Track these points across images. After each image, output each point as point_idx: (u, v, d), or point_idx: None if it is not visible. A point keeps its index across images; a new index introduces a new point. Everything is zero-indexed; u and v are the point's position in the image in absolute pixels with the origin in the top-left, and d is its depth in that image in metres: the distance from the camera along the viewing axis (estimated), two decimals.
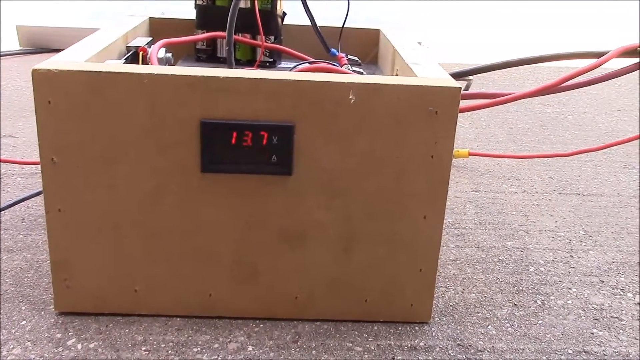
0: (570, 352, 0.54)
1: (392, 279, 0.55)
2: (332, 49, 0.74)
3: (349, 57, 0.75)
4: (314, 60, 0.66)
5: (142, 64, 0.60)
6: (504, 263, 0.68)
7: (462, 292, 0.62)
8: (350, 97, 0.50)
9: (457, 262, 0.68)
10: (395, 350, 0.53)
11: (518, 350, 0.54)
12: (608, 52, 0.59)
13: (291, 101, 0.50)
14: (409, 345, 0.54)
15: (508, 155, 0.96)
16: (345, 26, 0.74)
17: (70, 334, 0.53)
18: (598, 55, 0.59)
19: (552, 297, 0.62)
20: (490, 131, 1.10)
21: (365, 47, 0.77)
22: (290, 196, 0.52)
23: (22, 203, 0.76)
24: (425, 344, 0.54)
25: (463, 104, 0.57)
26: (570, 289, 0.64)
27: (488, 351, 0.54)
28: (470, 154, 0.94)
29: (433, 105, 0.50)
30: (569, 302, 0.62)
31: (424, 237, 0.54)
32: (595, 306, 0.61)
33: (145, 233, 0.53)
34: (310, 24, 0.71)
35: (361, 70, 0.68)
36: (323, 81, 0.50)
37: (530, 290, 0.63)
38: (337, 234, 0.53)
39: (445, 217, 0.77)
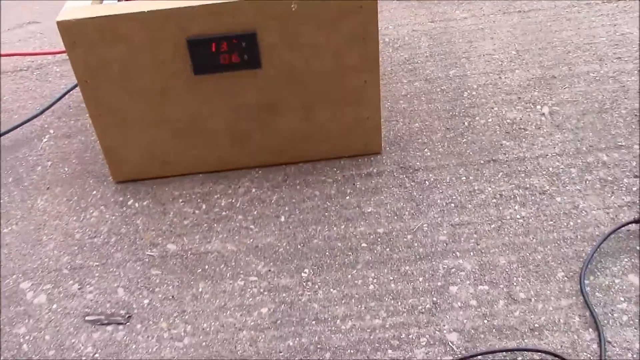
0: (482, 162, 0.75)
1: (348, 127, 0.74)
2: None
3: None
4: None
5: None
6: (445, 92, 0.86)
7: (408, 123, 0.81)
8: (293, 6, 0.65)
9: (408, 96, 0.86)
10: (355, 178, 0.75)
11: (444, 165, 0.75)
12: None
13: (251, 16, 0.66)
14: (365, 173, 0.75)
15: None
16: None
17: (128, 196, 0.76)
18: None
19: (477, 118, 0.81)
20: None
21: None
22: (262, 82, 0.70)
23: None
24: (377, 170, 0.75)
25: None
26: (492, 108, 0.82)
27: (422, 169, 0.75)
28: None
29: (352, 10, 0.65)
30: (490, 120, 0.81)
31: (366, 95, 0.72)
32: (508, 121, 0.80)
33: (162, 121, 0.72)
34: None
35: None
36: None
37: (461, 114, 0.82)
38: (300, 103, 0.72)
39: (401, 54, 0.94)
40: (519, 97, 0.83)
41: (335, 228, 0.69)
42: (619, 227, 0.64)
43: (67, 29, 0.65)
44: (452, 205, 0.70)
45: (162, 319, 0.62)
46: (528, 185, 0.71)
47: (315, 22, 0.66)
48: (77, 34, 0.66)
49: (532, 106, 0.82)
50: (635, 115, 0.78)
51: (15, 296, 0.66)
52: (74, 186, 0.78)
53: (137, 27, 0.65)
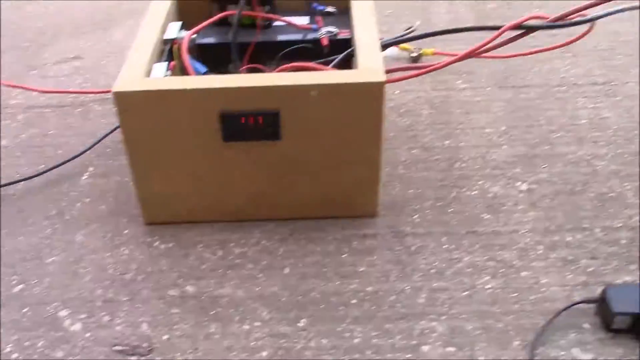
0: (463, 232, 0.86)
1: (350, 192, 0.86)
2: (314, 4, 0.98)
3: (326, 9, 0.98)
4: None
5: (176, 57, 0.86)
6: (438, 161, 0.97)
7: (404, 189, 0.93)
8: (313, 93, 0.77)
9: (406, 162, 0.97)
10: (352, 238, 0.86)
11: (430, 233, 0.86)
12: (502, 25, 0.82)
13: (276, 97, 0.77)
14: (362, 234, 0.86)
15: (463, 55, 1.19)
16: None
17: (155, 238, 0.88)
18: (493, 28, 0.82)
19: (464, 189, 0.92)
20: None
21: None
22: (279, 151, 0.82)
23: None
24: (372, 232, 0.87)
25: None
26: (478, 181, 0.93)
27: (411, 235, 0.86)
28: (434, 53, 1.18)
29: (361, 97, 0.77)
30: (474, 192, 0.92)
31: (367, 166, 0.84)
32: (490, 195, 0.91)
33: (192, 176, 0.84)
34: None
35: (334, 29, 0.92)
36: (294, 85, 0.77)
37: (450, 185, 0.93)
38: (310, 170, 0.84)
39: (404, 121, 1.05)
40: (503, 173, 0.95)
41: (330, 284, 0.80)
42: (571, 305, 0.75)
43: (121, 98, 0.77)
44: (433, 271, 0.81)
45: (178, 354, 0.74)
46: (500, 259, 0.82)
47: (330, 103, 0.78)
48: (128, 103, 0.78)
49: (513, 182, 0.93)
50: (601, 200, 0.89)
51: (55, 323, 0.78)
52: (109, 224, 0.90)
53: (180, 100, 0.77)
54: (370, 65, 0.80)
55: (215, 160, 0.83)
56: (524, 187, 0.92)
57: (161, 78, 0.80)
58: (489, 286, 0.79)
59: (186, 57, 0.84)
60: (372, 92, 0.77)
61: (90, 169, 1.00)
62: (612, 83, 1.11)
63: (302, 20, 0.97)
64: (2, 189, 0.96)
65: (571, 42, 0.94)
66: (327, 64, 0.90)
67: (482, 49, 0.83)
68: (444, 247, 0.84)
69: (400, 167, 0.97)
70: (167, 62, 0.84)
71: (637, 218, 0.86)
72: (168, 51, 0.87)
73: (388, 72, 0.83)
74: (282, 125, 0.80)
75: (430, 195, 0.92)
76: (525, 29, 0.82)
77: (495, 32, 0.83)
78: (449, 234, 0.86)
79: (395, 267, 0.82)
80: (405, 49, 1.19)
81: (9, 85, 1.14)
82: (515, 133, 1.02)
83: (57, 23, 1.42)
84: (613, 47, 1.19)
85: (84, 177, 0.98)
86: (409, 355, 0.72)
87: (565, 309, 0.74)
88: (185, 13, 0.98)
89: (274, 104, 0.78)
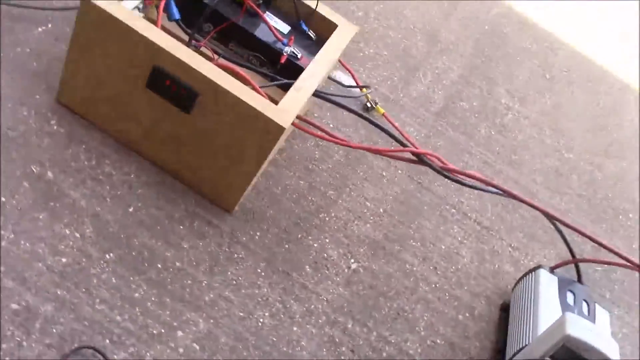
0: (280, 269, 0.99)
1: (219, 185, 0.98)
2: (302, 22, 1.07)
3: (308, 32, 1.07)
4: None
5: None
6: (312, 204, 1.09)
7: (267, 207, 1.05)
8: (229, 100, 0.87)
9: (287, 187, 1.09)
10: (197, 216, 0.98)
11: (256, 253, 0.98)
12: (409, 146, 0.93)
13: (202, 84, 0.88)
14: (207, 219, 0.99)
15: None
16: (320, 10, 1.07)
17: (55, 116, 0.98)
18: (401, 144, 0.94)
19: (309, 237, 1.05)
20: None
21: (325, 32, 1.08)
22: (184, 122, 0.93)
23: None
24: (216, 223, 0.99)
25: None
26: (326, 239, 1.06)
27: (241, 245, 0.98)
28: (383, 115, 1.29)
29: (259, 129, 0.88)
30: (315, 245, 1.04)
31: (244, 171, 0.95)
32: (325, 255, 1.04)
33: (112, 96, 0.95)
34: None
35: (298, 54, 1.02)
36: (220, 84, 0.87)
37: (304, 227, 1.05)
38: (200, 147, 0.95)
39: (316, 154, 1.16)
40: (349, 245, 1.07)
41: (154, 241, 0.93)
42: None
43: (84, 5, 0.87)
44: (234, 283, 0.94)
45: (2, 218, 0.86)
46: (288, 306, 0.95)
47: (239, 116, 0.89)
48: (88, 12, 0.87)
49: (349, 258, 1.06)
50: (397, 315, 1.03)
51: None
52: (29, 80, 1.00)
53: (126, 35, 0.87)
54: (288, 107, 0.91)
55: (132, 96, 0.94)
56: (354, 266, 1.05)
57: (127, 9, 0.89)
58: (262, 321, 0.92)
59: (163, 1, 0.93)
60: (272, 130, 0.88)
61: (49, 25, 1.09)
62: (492, 232, 1.24)
63: (282, 27, 1.06)
64: None
65: None
66: (273, 77, 1.01)
67: (385, 153, 0.95)
68: (257, 270, 0.97)
69: (278, 188, 1.08)
70: None
71: (410, 345, 1.00)
72: None
73: (303, 120, 0.94)
74: (196, 106, 0.91)
75: (282, 225, 1.04)
76: (421, 162, 0.94)
77: (401, 147, 0.94)
78: (269, 263, 0.99)
79: (210, 261, 0.95)
80: (366, 96, 1.29)
81: None
82: (386, 220, 1.14)
83: None
84: (521, 205, 1.31)
85: (39, 30, 1.07)
86: (163, 331, 0.85)
87: None
88: None
89: (197, 87, 0.89)
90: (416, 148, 0.94)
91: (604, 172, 1.55)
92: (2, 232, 0.85)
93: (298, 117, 0.94)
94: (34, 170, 0.92)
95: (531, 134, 1.51)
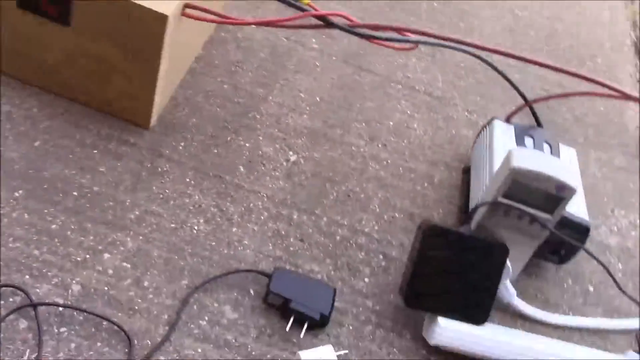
0: (210, 174, 0.92)
1: (125, 100, 0.91)
2: None
3: None
4: None
5: None
6: (239, 104, 1.02)
7: (189, 116, 0.98)
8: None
9: (210, 93, 1.02)
10: (113, 138, 0.92)
11: (182, 163, 0.92)
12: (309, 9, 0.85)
13: None
14: (124, 139, 0.92)
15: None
16: None
17: None
18: (299, 8, 0.86)
19: (240, 138, 0.98)
20: None
21: None
22: (67, 36, 0.86)
23: None
24: (133, 140, 0.92)
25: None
26: (258, 137, 0.99)
27: (165, 158, 0.92)
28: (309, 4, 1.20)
29: (143, 24, 0.81)
30: (247, 145, 0.98)
31: (142, 88, 0.88)
32: (259, 153, 0.97)
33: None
34: None
35: None
36: None
37: (232, 129, 0.99)
38: (92, 62, 0.88)
39: (237, 54, 1.09)
40: (285, 138, 1.00)
41: (67, 170, 0.87)
42: (246, 270, 0.83)
43: None
44: (161, 196, 0.88)
45: None
46: (224, 208, 0.89)
47: (119, 16, 0.82)
48: None
49: (287, 150, 0.99)
50: (347, 196, 0.96)
51: None
52: None
53: None
54: None
55: (9, 21, 0.87)
56: (293, 158, 0.99)
57: None
58: (197, 228, 0.86)
59: None
60: (156, 21, 0.81)
61: None
62: (444, 100, 1.16)
63: None
64: None
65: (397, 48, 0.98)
66: None
67: (282, 22, 0.87)
68: (186, 180, 0.91)
69: (200, 95, 1.01)
70: None
71: (365, 224, 0.94)
72: None
73: (194, 8, 0.87)
74: (73, 14, 0.84)
75: (208, 131, 0.97)
76: (326, 23, 0.86)
77: (300, 13, 0.86)
78: (198, 171, 0.92)
79: (131, 179, 0.89)
80: None
81: None
82: (323, 108, 1.07)
83: None
84: (474, 67, 1.23)
85: None
86: (88, 256, 0.80)
87: (239, 271, 0.83)
88: None
89: None
90: (316, 10, 0.86)
91: (564, 22, 1.45)
92: None
93: (190, 5, 0.87)
94: None
95: None
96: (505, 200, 0.82)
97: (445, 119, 1.13)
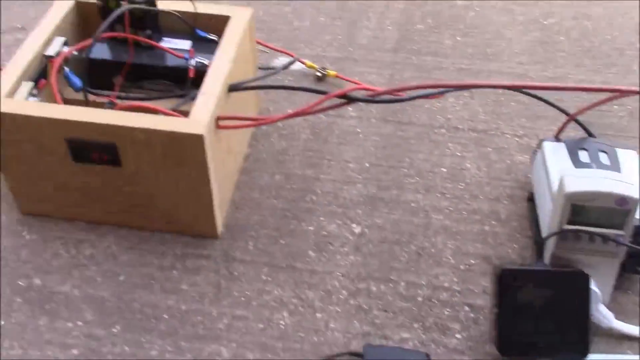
0: (283, 266, 0.96)
1: (189, 217, 0.97)
2: (198, 30, 1.06)
3: (209, 36, 1.06)
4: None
5: (50, 74, 0.96)
6: (293, 191, 1.06)
7: (251, 214, 1.02)
8: (139, 135, 0.87)
9: (264, 187, 1.06)
10: (188, 256, 0.97)
11: (255, 261, 0.96)
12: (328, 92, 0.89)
13: (110, 134, 0.88)
14: (197, 253, 0.97)
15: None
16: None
17: (25, 228, 1.00)
18: (320, 92, 0.89)
19: (302, 223, 1.01)
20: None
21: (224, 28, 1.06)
22: (122, 174, 0.93)
23: None
24: (207, 253, 0.97)
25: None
26: (319, 217, 1.02)
27: (238, 261, 0.96)
28: (337, 76, 1.25)
29: (183, 148, 0.87)
30: (310, 228, 1.01)
31: (200, 204, 0.94)
32: (324, 233, 1.00)
33: (56, 185, 0.96)
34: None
35: (206, 60, 1.00)
36: (124, 126, 0.87)
37: (292, 217, 1.02)
38: (150, 191, 0.94)
39: (281, 143, 1.14)
40: (345, 212, 1.03)
41: (153, 296, 0.92)
42: (336, 356, 0.85)
43: None
44: (243, 299, 0.92)
45: (6, 340, 0.88)
46: (304, 297, 0.92)
47: (158, 145, 0.88)
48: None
49: (350, 223, 1.02)
50: (419, 254, 0.98)
51: None
52: None
53: (26, 124, 0.88)
54: (200, 114, 0.89)
55: (70, 175, 0.94)
56: (358, 230, 1.01)
57: (18, 101, 0.91)
58: (283, 322, 0.90)
59: (54, 79, 0.94)
60: (193, 142, 0.87)
61: None
62: (490, 132, 1.16)
63: (183, 45, 1.05)
64: None
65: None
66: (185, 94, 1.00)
67: (308, 111, 0.91)
68: (262, 277, 0.95)
69: (256, 192, 1.06)
70: (33, 82, 0.94)
71: (443, 278, 0.94)
72: (43, 68, 0.97)
73: (226, 118, 0.92)
74: (121, 155, 0.90)
75: (270, 224, 1.01)
76: (348, 99, 0.89)
77: (322, 96, 0.90)
78: (271, 265, 0.96)
79: (212, 290, 0.93)
80: (311, 67, 1.26)
81: None
82: (374, 172, 1.09)
83: None
84: (510, 93, 1.23)
85: None
86: None
87: (332, 357, 0.85)
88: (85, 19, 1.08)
89: (109, 138, 0.88)
90: (336, 91, 0.89)
91: (593, 19, 1.44)
92: (11, 351, 0.87)
93: (222, 117, 0.92)
94: (22, 284, 0.94)
95: (501, 20, 1.42)
96: (570, 227, 0.82)
97: (496, 150, 1.13)
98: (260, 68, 1.21)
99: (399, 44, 1.35)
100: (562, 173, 0.86)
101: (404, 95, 0.87)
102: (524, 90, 0.97)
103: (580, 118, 0.99)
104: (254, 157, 1.12)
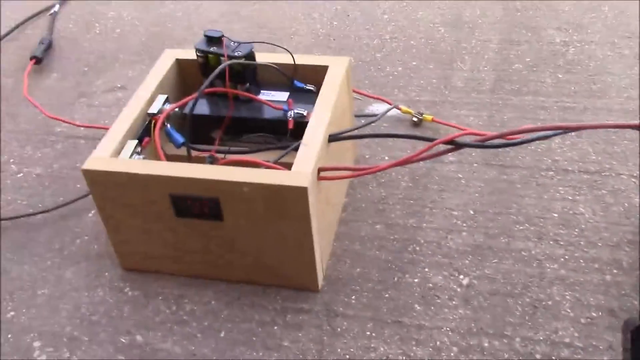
0: (389, 321, 0.91)
1: (289, 271, 0.94)
2: (296, 81, 1.05)
3: (307, 86, 1.05)
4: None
5: (153, 131, 0.97)
6: (395, 241, 1.02)
7: (352, 266, 0.99)
8: (245, 189, 0.85)
9: (365, 238, 1.03)
10: (288, 310, 0.94)
11: (359, 316, 0.92)
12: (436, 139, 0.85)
13: (214, 188, 0.87)
14: (298, 308, 0.94)
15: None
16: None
17: (127, 284, 1.01)
18: (427, 139, 0.85)
19: (406, 275, 0.97)
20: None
21: (322, 78, 1.05)
22: (223, 229, 0.91)
23: None
24: (307, 307, 0.94)
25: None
26: (424, 268, 0.97)
27: (341, 316, 0.92)
28: (433, 120, 1.21)
29: (286, 201, 0.85)
30: (416, 280, 0.96)
31: (304, 248, 0.91)
32: (430, 285, 0.95)
33: (158, 240, 0.96)
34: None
35: (303, 111, 0.99)
36: (228, 180, 0.86)
37: (396, 268, 0.98)
38: (250, 245, 0.92)
39: (380, 191, 1.10)
40: (451, 263, 0.98)
41: (255, 353, 0.90)
42: None
43: (87, 174, 0.90)
44: (347, 357, 0.88)
45: None
46: (412, 354, 0.87)
47: (261, 198, 0.86)
48: (93, 179, 0.91)
49: (457, 275, 0.96)
50: (534, 307, 0.90)
51: (28, 352, 0.93)
52: (95, 264, 1.04)
53: (133, 181, 0.89)
54: (302, 165, 0.87)
55: (171, 230, 0.94)
56: (465, 281, 0.95)
57: (124, 160, 0.92)
58: None
59: (157, 136, 0.95)
60: (297, 194, 0.84)
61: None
62: (604, 173, 1.09)
63: (281, 97, 1.05)
64: (23, 217, 1.13)
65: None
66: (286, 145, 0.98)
67: (414, 159, 0.87)
68: (366, 333, 0.90)
69: (357, 243, 1.02)
70: (138, 140, 0.95)
71: (563, 333, 0.87)
72: (146, 126, 0.98)
73: (327, 169, 0.90)
74: (223, 209, 0.89)
75: (374, 277, 0.97)
76: (456, 145, 0.85)
77: (429, 144, 0.86)
78: (376, 320, 0.92)
79: (315, 346, 0.89)
80: (407, 112, 1.23)
81: (51, 117, 1.31)
82: (480, 219, 1.04)
83: (117, 48, 1.57)
84: (622, 131, 1.15)
85: (89, 215, 1.13)
86: None
87: None
88: (183, 74, 1.09)
89: (213, 193, 0.88)
90: (443, 137, 0.85)
91: None
92: None
93: (323, 169, 0.90)
94: (124, 340, 0.93)
95: (604, 53, 1.35)
96: None
97: (611, 193, 1.05)
98: (356, 116, 1.20)
99: (497, 85, 1.30)
100: None
101: (518, 138, 0.82)
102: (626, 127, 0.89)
103: None
104: (353, 207, 1.09)
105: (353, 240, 1.03)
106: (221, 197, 0.88)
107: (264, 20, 1.59)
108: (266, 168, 0.90)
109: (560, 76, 1.31)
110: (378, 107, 1.27)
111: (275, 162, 0.93)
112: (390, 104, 1.22)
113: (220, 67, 0.98)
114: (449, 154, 1.15)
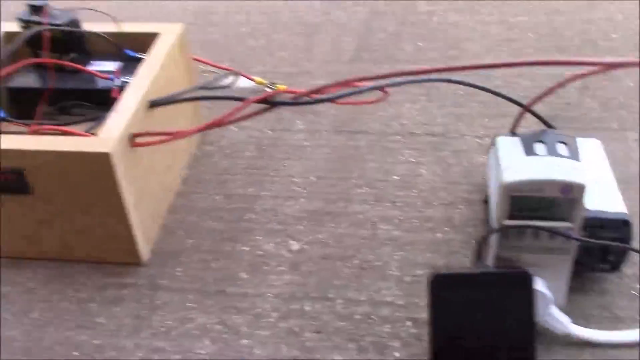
0: (212, 292, 0.87)
1: (109, 244, 0.89)
2: (127, 50, 1.00)
3: (139, 55, 1.00)
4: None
5: None
6: (232, 211, 0.98)
7: (185, 238, 0.94)
8: (47, 157, 0.80)
9: (203, 210, 0.98)
10: (110, 286, 0.89)
11: (182, 289, 0.87)
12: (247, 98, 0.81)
13: (18, 159, 0.81)
14: (121, 283, 0.89)
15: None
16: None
17: None
18: (239, 99, 0.82)
19: (238, 244, 0.92)
20: None
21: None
22: (33, 203, 0.86)
23: None
24: (132, 282, 0.89)
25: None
26: (256, 237, 0.93)
27: (164, 289, 0.88)
28: (286, 91, 1.17)
29: (91, 167, 0.80)
30: (246, 249, 0.92)
31: (117, 228, 0.86)
32: (260, 253, 0.91)
33: None
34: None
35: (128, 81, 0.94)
36: (30, 150, 0.80)
37: (228, 238, 0.93)
38: (64, 219, 0.87)
39: (224, 162, 1.06)
40: (284, 229, 0.94)
41: (67, 333, 0.84)
42: None
43: None
44: (163, 329, 0.83)
45: None
46: (230, 323, 0.83)
47: (66, 168, 0.81)
48: None
49: (288, 241, 0.92)
50: (362, 268, 0.87)
51: None
52: None
53: None
54: (109, 131, 0.82)
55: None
56: (296, 247, 0.92)
57: None
58: (204, 352, 0.80)
59: None
60: (100, 161, 0.80)
61: None
62: (449, 135, 1.07)
63: (111, 67, 1.00)
64: None
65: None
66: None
67: (227, 120, 0.83)
68: (187, 304, 0.86)
69: (194, 215, 0.98)
70: None
71: (386, 292, 0.84)
72: None
73: (140, 135, 0.85)
74: (30, 182, 0.84)
75: (205, 248, 0.93)
76: (271, 104, 0.82)
77: (242, 103, 0.82)
78: (199, 292, 0.87)
79: (132, 321, 0.84)
80: (261, 83, 1.19)
81: None
82: (321, 185, 1.00)
83: None
84: (474, 91, 1.14)
85: None
86: None
87: None
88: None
89: (17, 164, 0.82)
90: (255, 97, 0.82)
91: (564, 14, 1.34)
92: None
93: (138, 134, 0.85)
94: None
95: (465, 20, 1.34)
96: (511, 222, 0.71)
97: (454, 153, 1.03)
98: (202, 88, 1.15)
99: (358, 54, 1.28)
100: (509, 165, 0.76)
101: (327, 94, 0.79)
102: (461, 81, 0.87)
103: (545, 112, 0.89)
104: (195, 180, 1.04)
105: (190, 212, 0.99)
106: (26, 168, 0.83)
107: None
108: (77, 136, 0.85)
109: (420, 44, 1.29)
110: (234, 80, 1.23)
111: (89, 132, 0.88)
112: (241, 74, 1.18)
113: (27, 32, 0.93)
114: (299, 122, 1.13)
